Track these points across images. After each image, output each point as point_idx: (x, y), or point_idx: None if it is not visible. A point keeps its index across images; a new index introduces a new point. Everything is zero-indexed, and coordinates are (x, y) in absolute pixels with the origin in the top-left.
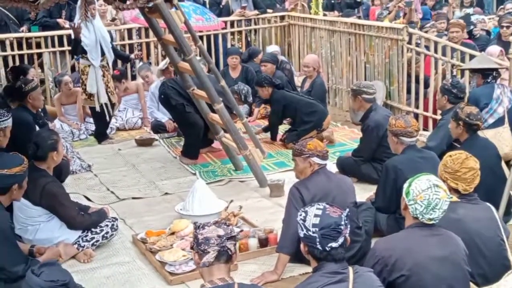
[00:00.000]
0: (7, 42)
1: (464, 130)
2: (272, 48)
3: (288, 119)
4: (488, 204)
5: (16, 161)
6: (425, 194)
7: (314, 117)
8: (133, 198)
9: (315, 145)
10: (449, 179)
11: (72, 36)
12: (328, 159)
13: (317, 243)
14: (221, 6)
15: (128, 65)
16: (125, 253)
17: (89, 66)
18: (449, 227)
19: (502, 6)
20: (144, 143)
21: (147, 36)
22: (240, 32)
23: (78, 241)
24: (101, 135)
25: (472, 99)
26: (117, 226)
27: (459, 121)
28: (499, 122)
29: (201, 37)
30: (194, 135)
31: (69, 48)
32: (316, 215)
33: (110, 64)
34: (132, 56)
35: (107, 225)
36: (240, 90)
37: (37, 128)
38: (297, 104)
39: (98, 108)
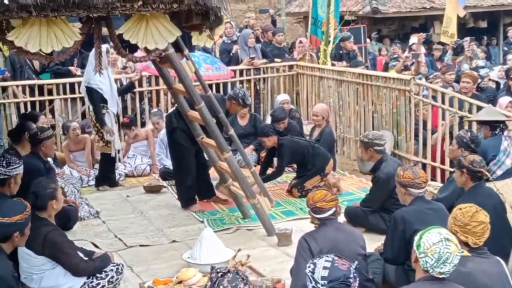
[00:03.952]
0: (20, 89)
1: (469, 178)
2: (282, 97)
3: (293, 165)
4: (498, 258)
5: (17, 209)
6: (436, 247)
7: (317, 161)
8: (141, 245)
9: (310, 196)
10: (459, 232)
11: (88, 84)
12: (325, 213)
13: None
14: (231, 54)
15: (138, 111)
16: None
17: (104, 114)
18: (458, 281)
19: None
20: (152, 190)
21: (157, 84)
22: (249, 81)
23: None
24: (102, 180)
25: (480, 151)
26: (121, 269)
27: (462, 168)
28: (507, 174)
29: (210, 86)
30: (184, 179)
31: (80, 95)
32: (325, 268)
33: (120, 112)
34: (134, 78)
35: (111, 270)
36: (236, 95)
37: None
38: (304, 149)
39: (113, 154)
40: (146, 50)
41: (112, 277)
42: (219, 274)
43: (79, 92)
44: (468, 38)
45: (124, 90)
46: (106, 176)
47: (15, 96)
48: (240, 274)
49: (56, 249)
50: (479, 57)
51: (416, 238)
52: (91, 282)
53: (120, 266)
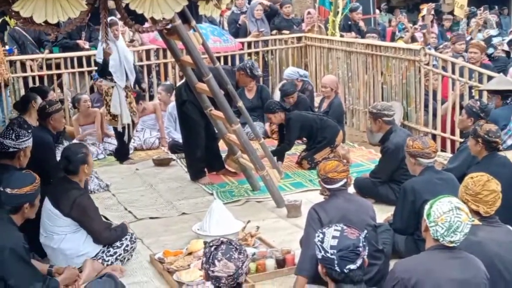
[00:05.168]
0: (28, 63)
1: (483, 148)
2: (290, 70)
3: (303, 138)
4: (509, 227)
5: (27, 181)
6: (447, 216)
7: (327, 134)
8: (151, 218)
9: (322, 166)
10: (470, 201)
11: (98, 58)
12: (336, 184)
13: (335, 265)
14: (238, 25)
15: (146, 85)
16: (143, 273)
17: (112, 87)
18: (469, 250)
19: None
20: (161, 163)
21: (164, 57)
22: (257, 53)
23: (102, 257)
24: (123, 155)
25: (491, 120)
26: (135, 238)
27: (478, 138)
28: None
29: (218, 58)
30: (194, 152)
31: (88, 69)
32: (334, 237)
33: (132, 85)
34: (143, 86)
35: (126, 239)
36: (244, 65)
37: None
38: (312, 122)
39: (120, 129)
40: (152, 20)
41: (127, 245)
42: (212, 248)
43: (87, 66)
44: (482, 7)
45: (137, 80)
46: (125, 149)
47: (23, 69)
48: (234, 244)
49: (84, 213)
50: (494, 26)
51: (427, 207)
52: (108, 251)
53: (134, 235)
